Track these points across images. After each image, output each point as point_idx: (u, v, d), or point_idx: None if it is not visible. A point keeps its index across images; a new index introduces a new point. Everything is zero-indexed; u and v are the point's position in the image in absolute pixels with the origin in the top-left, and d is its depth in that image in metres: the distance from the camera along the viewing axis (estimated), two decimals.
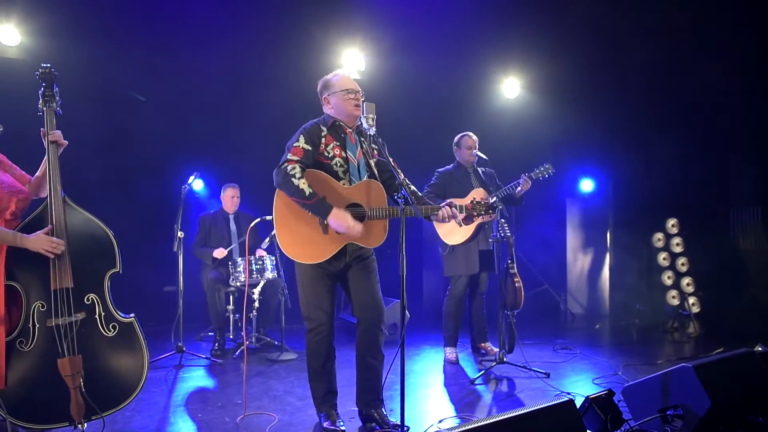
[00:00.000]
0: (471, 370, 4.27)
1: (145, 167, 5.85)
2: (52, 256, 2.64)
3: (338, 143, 2.88)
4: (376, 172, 2.90)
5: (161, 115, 5.93)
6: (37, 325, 2.66)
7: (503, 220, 4.16)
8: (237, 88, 6.28)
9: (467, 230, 4.44)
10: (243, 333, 3.17)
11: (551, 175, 4.45)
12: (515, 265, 4.21)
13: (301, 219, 2.75)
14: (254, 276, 4.67)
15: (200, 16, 5.53)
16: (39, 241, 2.61)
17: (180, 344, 4.35)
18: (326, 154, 2.84)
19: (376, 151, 3.00)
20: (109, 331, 2.81)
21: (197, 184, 6.57)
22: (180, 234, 4.23)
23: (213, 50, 5.67)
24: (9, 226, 2.68)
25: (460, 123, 5.29)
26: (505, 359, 4.10)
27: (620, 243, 6.74)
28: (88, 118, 5.61)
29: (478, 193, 4.49)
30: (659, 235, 5.99)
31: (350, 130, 2.92)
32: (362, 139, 2.96)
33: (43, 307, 2.68)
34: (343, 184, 2.84)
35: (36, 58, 5.52)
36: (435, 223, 4.51)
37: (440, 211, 2.82)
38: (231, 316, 4.92)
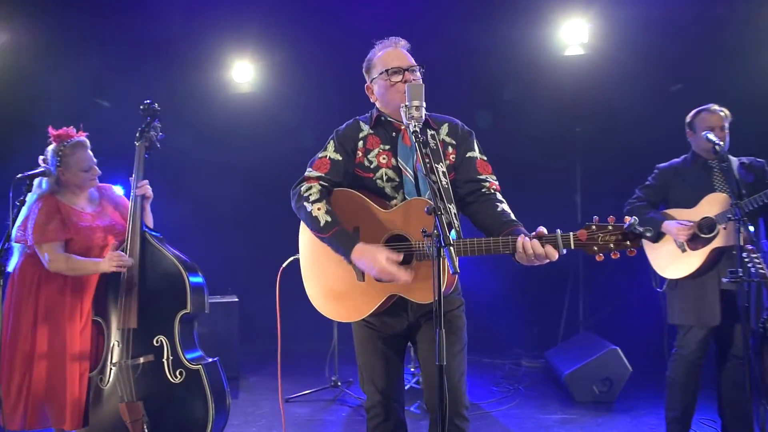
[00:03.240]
0: None
1: None
2: (123, 270, 2.57)
3: (387, 147, 2.02)
4: (443, 183, 1.91)
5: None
6: (114, 363, 2.61)
7: (751, 248, 2.49)
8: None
9: (694, 258, 2.86)
10: (278, 378, 2.52)
11: None
12: None
13: (331, 260, 1.99)
14: None
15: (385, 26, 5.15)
16: (107, 261, 2.56)
17: (334, 378, 4.01)
18: (366, 163, 2.02)
19: (452, 151, 2.03)
20: (176, 377, 2.59)
21: None
22: None
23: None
24: None
25: (725, 90, 3.57)
26: None
27: None
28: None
29: (713, 202, 2.86)
30: None
31: (405, 126, 2.02)
32: (429, 132, 2.02)
33: (118, 345, 2.62)
34: (395, 205, 1.98)
35: (263, 92, 6.00)
36: (646, 248, 3.07)
37: (518, 249, 1.70)
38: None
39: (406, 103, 1.81)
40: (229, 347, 4.49)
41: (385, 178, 1.99)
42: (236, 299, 4.68)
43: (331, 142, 2.06)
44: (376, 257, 1.82)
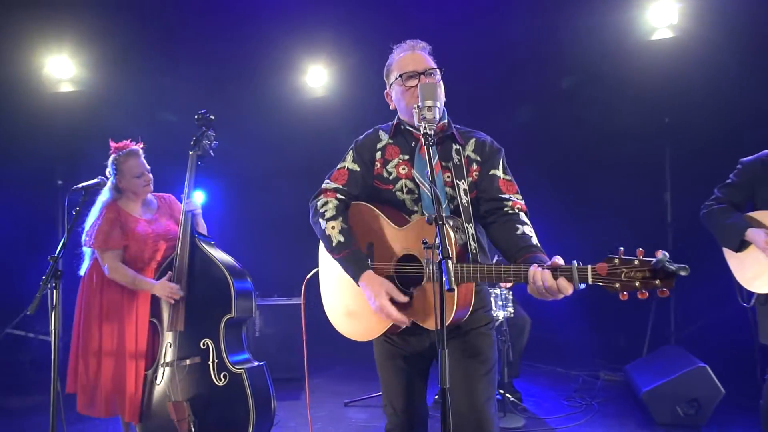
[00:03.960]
0: None
1: None
2: (171, 302, 2.70)
3: (406, 157, 1.91)
4: (463, 201, 1.80)
5: None
6: (166, 363, 2.74)
7: None
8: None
9: None
10: (306, 384, 2.49)
11: None
12: None
13: (346, 276, 1.89)
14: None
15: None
16: (160, 288, 2.71)
17: None
18: (386, 174, 1.92)
19: (476, 168, 1.88)
20: (220, 380, 2.67)
21: None
22: None
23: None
24: (159, 267, 2.87)
25: None
26: None
27: None
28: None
29: None
30: None
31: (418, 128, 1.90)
32: (455, 147, 1.89)
33: (170, 346, 2.74)
34: (414, 220, 1.87)
35: (336, 96, 6.07)
36: (727, 256, 2.71)
37: (529, 280, 1.54)
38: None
39: (418, 104, 1.71)
40: (294, 349, 4.58)
41: (404, 189, 1.89)
42: (301, 301, 4.76)
43: (350, 152, 1.99)
44: (379, 292, 1.74)
